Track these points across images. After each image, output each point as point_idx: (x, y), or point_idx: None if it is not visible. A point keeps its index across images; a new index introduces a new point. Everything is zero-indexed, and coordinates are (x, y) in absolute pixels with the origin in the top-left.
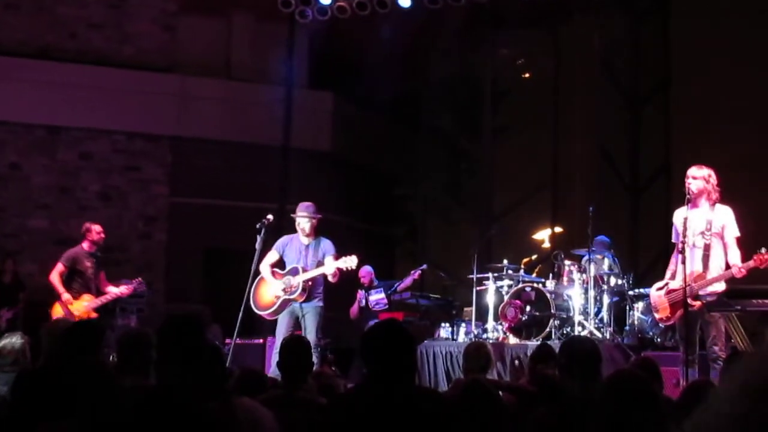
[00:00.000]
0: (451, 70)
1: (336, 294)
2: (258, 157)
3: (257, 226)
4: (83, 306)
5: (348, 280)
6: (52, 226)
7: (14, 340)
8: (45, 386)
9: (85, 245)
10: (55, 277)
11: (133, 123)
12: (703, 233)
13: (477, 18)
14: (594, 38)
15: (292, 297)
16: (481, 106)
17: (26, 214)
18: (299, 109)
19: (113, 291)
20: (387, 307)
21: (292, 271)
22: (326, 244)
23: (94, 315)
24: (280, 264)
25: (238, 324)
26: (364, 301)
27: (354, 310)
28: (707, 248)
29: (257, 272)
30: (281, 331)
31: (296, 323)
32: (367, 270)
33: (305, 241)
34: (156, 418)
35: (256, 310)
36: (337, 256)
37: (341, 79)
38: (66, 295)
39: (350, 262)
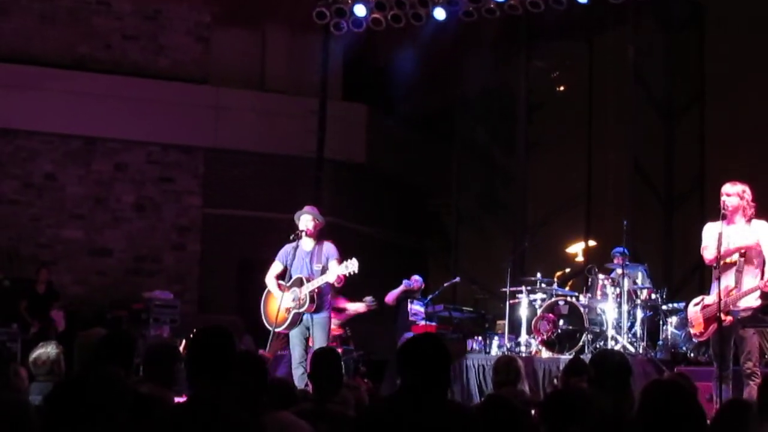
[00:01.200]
0: (486, 83)
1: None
2: (291, 168)
3: (290, 237)
4: None
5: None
6: (87, 236)
7: (49, 350)
8: (73, 397)
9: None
10: None
11: (167, 134)
12: (738, 249)
13: (511, 30)
14: (628, 51)
15: (302, 310)
16: (516, 118)
17: (61, 225)
18: (333, 120)
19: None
20: (423, 320)
21: (297, 282)
22: (328, 248)
23: None
24: (285, 274)
25: (271, 335)
26: (407, 308)
27: (391, 296)
28: (742, 264)
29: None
30: (295, 344)
31: (308, 336)
32: (418, 278)
33: (307, 247)
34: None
35: (268, 326)
36: (340, 260)
37: (375, 92)
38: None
39: (351, 266)
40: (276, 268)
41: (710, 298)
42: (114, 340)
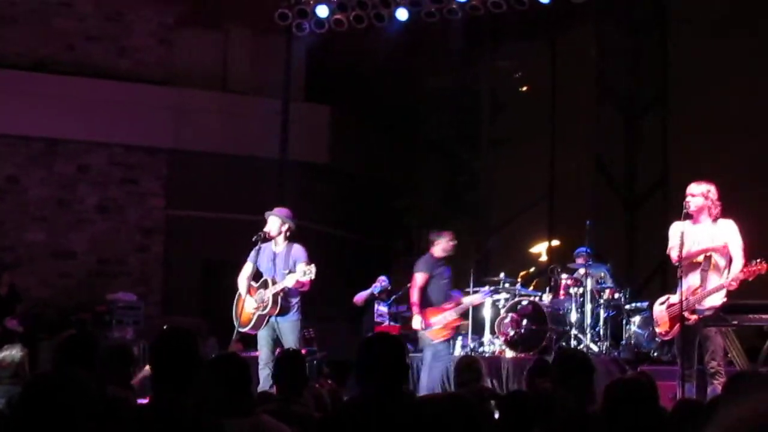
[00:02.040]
0: (450, 82)
1: (335, 304)
2: (255, 169)
3: (253, 238)
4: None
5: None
6: (50, 238)
7: (14, 352)
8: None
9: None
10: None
11: (130, 136)
12: (705, 250)
13: (475, 30)
14: (591, 51)
15: (265, 312)
16: (480, 118)
17: (24, 227)
18: (296, 121)
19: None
20: (387, 320)
21: (263, 284)
22: (297, 251)
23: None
24: (258, 275)
25: (234, 335)
26: (374, 309)
27: (360, 298)
28: (708, 263)
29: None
30: (261, 347)
31: (276, 338)
32: (384, 279)
33: (277, 248)
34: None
35: (237, 327)
36: (309, 262)
37: (339, 92)
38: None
39: (309, 272)
40: (247, 268)
41: (676, 297)
42: (77, 342)
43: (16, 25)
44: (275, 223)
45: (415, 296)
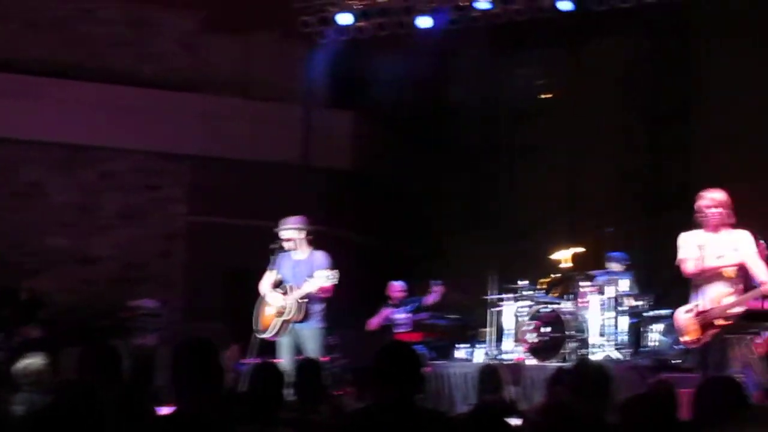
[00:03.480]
0: (472, 90)
1: (358, 311)
2: (278, 176)
3: (270, 247)
4: None
5: (376, 295)
6: (72, 244)
7: (36, 360)
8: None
9: None
10: None
11: (153, 142)
12: (723, 257)
13: (498, 38)
14: (614, 58)
15: (288, 318)
16: (502, 125)
17: (46, 233)
18: (319, 128)
19: None
20: (410, 327)
21: (285, 291)
22: (319, 258)
23: None
24: (281, 282)
25: (256, 343)
26: (391, 317)
27: (373, 322)
28: (724, 273)
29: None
30: (282, 355)
31: (296, 345)
32: (399, 285)
33: (299, 256)
34: None
35: (258, 334)
36: (332, 268)
37: (362, 99)
38: None
39: (332, 277)
40: (269, 276)
41: (706, 304)
42: (100, 352)
43: (39, 31)
44: (292, 234)
45: None
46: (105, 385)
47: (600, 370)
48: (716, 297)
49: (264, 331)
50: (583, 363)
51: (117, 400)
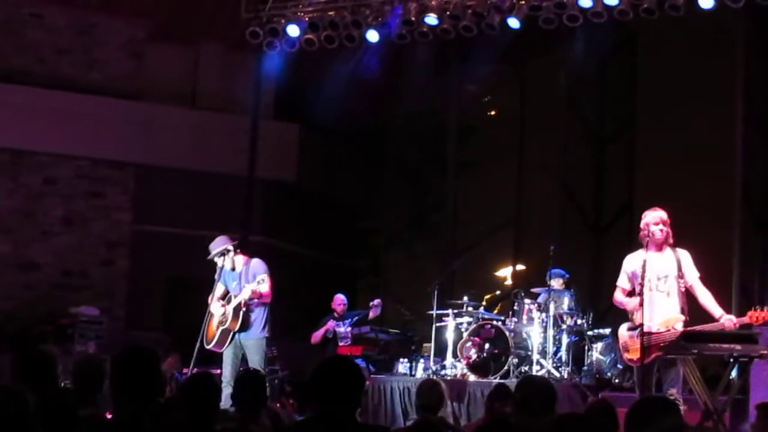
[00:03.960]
0: (418, 104)
1: (298, 323)
2: (222, 186)
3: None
4: None
5: (318, 308)
6: (15, 250)
7: None
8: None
9: None
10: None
11: (98, 149)
12: (666, 277)
13: (444, 54)
14: (560, 76)
15: (227, 326)
16: (447, 140)
17: None
18: (264, 139)
19: None
20: (349, 341)
21: (227, 301)
22: (256, 265)
23: None
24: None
25: (195, 353)
26: (333, 331)
27: (317, 336)
28: (670, 292)
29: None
30: (226, 364)
31: (241, 356)
32: (341, 299)
33: (238, 267)
34: None
35: (206, 345)
36: (269, 275)
37: (308, 111)
38: None
39: (262, 281)
40: (219, 289)
41: (655, 326)
42: (32, 357)
43: None
44: (220, 259)
45: None
46: (37, 390)
47: (546, 387)
48: (669, 321)
49: (209, 342)
50: (529, 379)
51: (48, 406)
